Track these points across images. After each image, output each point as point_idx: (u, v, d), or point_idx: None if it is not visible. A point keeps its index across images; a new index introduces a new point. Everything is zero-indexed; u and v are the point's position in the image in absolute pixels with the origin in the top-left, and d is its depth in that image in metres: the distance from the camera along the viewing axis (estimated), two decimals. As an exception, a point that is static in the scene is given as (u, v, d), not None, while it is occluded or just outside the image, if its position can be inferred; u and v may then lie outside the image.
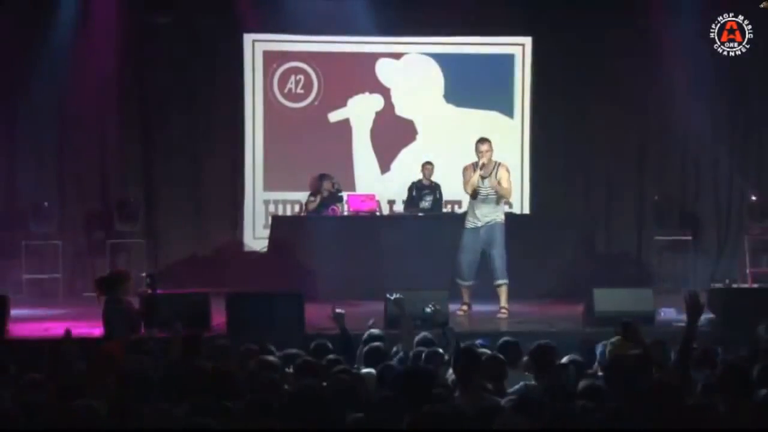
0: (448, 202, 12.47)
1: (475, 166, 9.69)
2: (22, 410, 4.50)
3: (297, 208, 12.58)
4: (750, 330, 7.27)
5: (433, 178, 12.01)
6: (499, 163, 9.75)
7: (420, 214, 11.79)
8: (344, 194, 11.95)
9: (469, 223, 9.77)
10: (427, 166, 11.99)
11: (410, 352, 6.21)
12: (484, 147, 9.65)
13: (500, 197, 9.73)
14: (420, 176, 12.03)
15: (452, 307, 9.17)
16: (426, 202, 11.91)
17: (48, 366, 5.96)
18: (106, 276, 8.18)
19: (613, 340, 6.46)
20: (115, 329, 7.51)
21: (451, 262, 9.97)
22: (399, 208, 12.34)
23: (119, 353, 6.33)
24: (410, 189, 12.03)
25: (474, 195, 9.68)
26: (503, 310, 9.67)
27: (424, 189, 11.97)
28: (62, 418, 4.36)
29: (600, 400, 4.56)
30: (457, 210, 11.99)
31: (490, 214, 9.69)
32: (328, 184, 11.78)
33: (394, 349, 6.48)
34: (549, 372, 5.46)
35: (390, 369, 5.58)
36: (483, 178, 9.63)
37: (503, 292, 9.70)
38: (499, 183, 9.64)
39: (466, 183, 9.72)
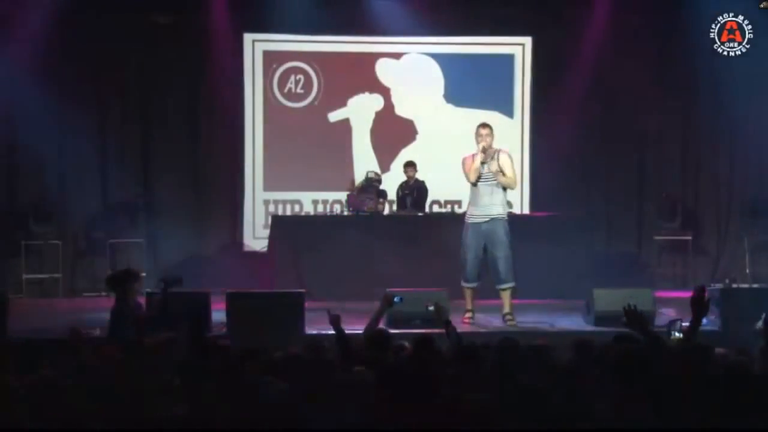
0: (448, 201, 12.50)
1: (474, 155, 9.06)
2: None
3: (297, 207, 12.60)
4: (751, 327, 7.28)
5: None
6: (500, 150, 9.14)
7: (420, 214, 11.79)
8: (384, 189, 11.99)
9: (471, 218, 9.18)
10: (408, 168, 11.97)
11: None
12: (484, 131, 9.04)
13: (502, 187, 9.10)
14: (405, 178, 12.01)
15: (455, 309, 9.05)
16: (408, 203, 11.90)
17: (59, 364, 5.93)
18: (113, 274, 8.12)
19: None
20: (116, 329, 7.49)
21: (451, 261, 9.87)
22: (398, 207, 12.37)
23: (118, 354, 6.31)
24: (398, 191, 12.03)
25: (475, 182, 9.06)
26: (509, 317, 9.13)
27: (406, 189, 11.93)
28: (63, 418, 4.35)
29: None
30: (457, 210, 12.00)
31: (490, 206, 9.06)
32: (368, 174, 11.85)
33: None
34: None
35: (389, 368, 5.57)
36: (483, 163, 9.01)
37: (507, 297, 9.12)
38: (501, 170, 9.03)
39: (467, 170, 9.10)
